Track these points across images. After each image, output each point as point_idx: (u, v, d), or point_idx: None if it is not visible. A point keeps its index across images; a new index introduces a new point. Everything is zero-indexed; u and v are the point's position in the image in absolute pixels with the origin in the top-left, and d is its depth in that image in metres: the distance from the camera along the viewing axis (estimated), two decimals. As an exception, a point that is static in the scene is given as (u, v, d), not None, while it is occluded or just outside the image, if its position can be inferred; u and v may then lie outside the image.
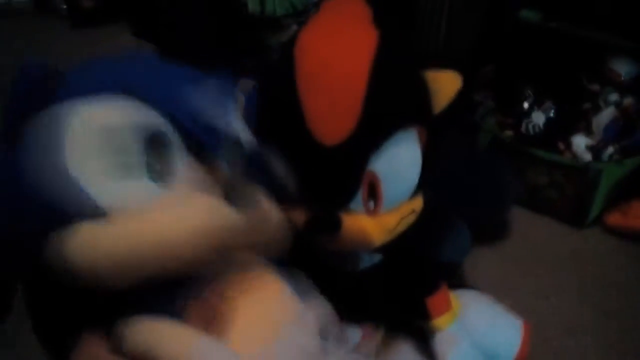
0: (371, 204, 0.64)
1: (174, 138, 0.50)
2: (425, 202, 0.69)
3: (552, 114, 1.27)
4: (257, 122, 0.65)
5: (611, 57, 1.31)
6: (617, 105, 1.27)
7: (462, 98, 0.69)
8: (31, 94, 0.48)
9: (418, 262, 0.78)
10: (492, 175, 1.14)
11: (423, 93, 0.66)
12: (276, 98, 0.64)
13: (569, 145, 1.25)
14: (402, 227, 0.67)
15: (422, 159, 0.67)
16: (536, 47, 1.35)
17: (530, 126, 1.27)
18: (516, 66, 1.37)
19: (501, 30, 1.40)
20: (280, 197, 0.65)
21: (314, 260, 0.73)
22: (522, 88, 1.32)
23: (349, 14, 0.67)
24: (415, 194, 0.68)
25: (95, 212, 0.46)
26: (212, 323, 0.49)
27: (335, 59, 0.62)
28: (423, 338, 0.81)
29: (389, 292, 0.76)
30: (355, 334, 0.77)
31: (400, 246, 0.72)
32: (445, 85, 0.67)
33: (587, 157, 1.23)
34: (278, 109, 0.63)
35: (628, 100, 1.26)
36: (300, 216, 0.64)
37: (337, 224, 0.60)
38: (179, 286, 0.50)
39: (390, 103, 0.63)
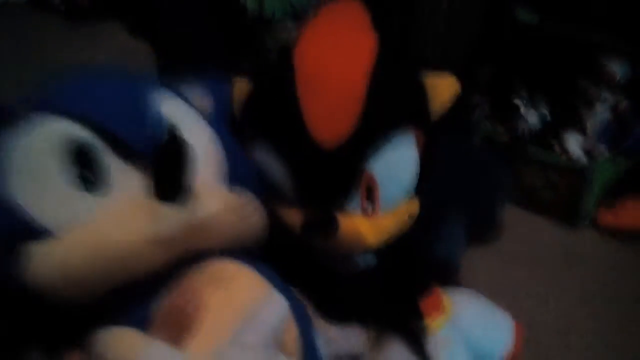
0: (368, 205, 0.64)
1: (100, 146, 0.50)
2: (422, 205, 0.69)
3: (546, 115, 1.28)
4: (255, 123, 0.66)
5: (606, 59, 1.32)
6: (612, 106, 1.28)
7: (458, 100, 0.70)
8: None
9: (412, 263, 0.79)
10: (487, 175, 1.15)
11: (421, 97, 0.66)
12: (275, 101, 0.64)
13: (563, 146, 1.26)
14: (398, 230, 0.67)
15: (419, 162, 0.67)
16: (532, 48, 1.36)
17: (524, 126, 1.28)
18: (512, 67, 1.38)
19: (498, 32, 1.40)
20: (275, 198, 0.66)
21: (308, 262, 0.74)
22: (517, 89, 1.33)
23: (347, 18, 0.67)
24: (411, 196, 0.68)
25: (38, 234, 0.47)
26: (179, 328, 0.49)
27: (334, 63, 0.62)
28: (415, 340, 0.81)
29: (382, 293, 0.76)
30: (348, 334, 0.78)
31: (395, 248, 0.72)
32: (442, 90, 0.68)
33: (581, 157, 1.24)
34: (277, 111, 0.63)
35: (622, 102, 1.27)
36: (296, 217, 0.64)
37: (334, 225, 0.60)
38: (144, 290, 0.50)
39: (389, 106, 0.63)
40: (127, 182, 0.50)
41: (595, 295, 1.12)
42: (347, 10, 0.68)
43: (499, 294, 0.97)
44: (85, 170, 0.49)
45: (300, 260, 0.72)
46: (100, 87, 0.54)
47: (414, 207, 0.69)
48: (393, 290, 0.77)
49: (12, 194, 0.47)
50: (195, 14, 1.12)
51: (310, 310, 0.69)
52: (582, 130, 1.26)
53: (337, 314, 0.72)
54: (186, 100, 0.60)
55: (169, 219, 0.48)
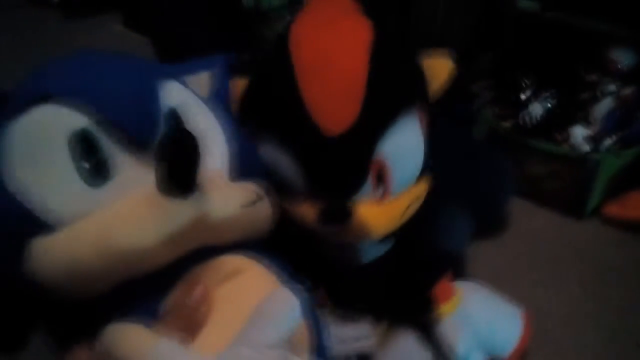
0: (379, 190, 0.63)
1: (103, 135, 0.47)
2: (428, 188, 0.69)
3: (550, 105, 1.26)
4: (256, 118, 0.64)
5: (610, 47, 1.30)
6: (616, 95, 1.26)
7: (458, 88, 0.69)
8: None
9: (423, 249, 0.78)
10: (490, 165, 1.14)
11: (421, 78, 0.65)
12: (274, 92, 0.62)
13: (567, 136, 1.24)
14: (409, 213, 0.66)
15: (424, 142, 0.67)
16: (534, 37, 1.35)
17: (528, 117, 1.27)
18: (514, 56, 1.37)
19: (499, 20, 1.39)
20: (284, 193, 0.64)
21: (316, 255, 0.73)
22: (520, 78, 1.32)
23: (338, 7, 0.66)
24: (419, 179, 0.67)
25: (39, 227, 0.45)
26: (189, 323, 0.48)
27: (333, 48, 0.61)
28: (425, 330, 0.81)
29: (394, 282, 0.76)
30: (358, 334, 0.77)
31: (404, 235, 0.71)
32: (439, 71, 0.66)
33: (586, 147, 1.22)
34: (277, 102, 0.61)
35: (626, 90, 1.26)
36: (307, 211, 0.63)
37: (348, 213, 0.59)
38: (152, 285, 0.48)
39: (392, 88, 0.62)
40: (133, 175, 0.48)
41: (600, 286, 1.12)
42: (337, 1, 0.67)
43: (503, 284, 0.96)
44: (90, 161, 0.47)
45: (308, 255, 0.70)
46: (105, 74, 0.51)
47: (422, 188, 0.68)
48: (404, 278, 0.76)
49: (16, 186, 0.45)
50: (191, 7, 1.11)
51: (320, 308, 0.68)
52: (587, 120, 1.25)
53: (348, 307, 0.70)
54: (189, 86, 0.58)
55: (178, 214, 0.45)
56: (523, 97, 1.29)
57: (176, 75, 0.57)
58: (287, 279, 0.55)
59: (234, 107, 0.65)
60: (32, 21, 2.34)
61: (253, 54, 1.14)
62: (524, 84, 1.30)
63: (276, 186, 0.63)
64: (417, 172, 0.66)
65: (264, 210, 0.54)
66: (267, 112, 0.63)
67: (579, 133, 1.23)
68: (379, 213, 0.63)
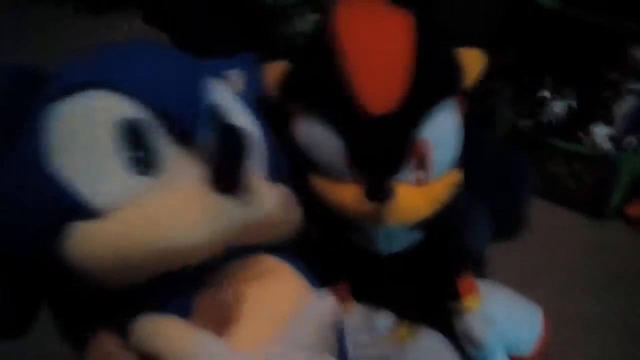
0: (420, 173, 0.64)
1: (153, 125, 0.47)
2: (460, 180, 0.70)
3: (572, 103, 1.25)
4: (300, 98, 0.66)
5: (632, 45, 1.29)
6: (638, 94, 1.25)
7: (479, 85, 0.70)
8: (6, 98, 0.47)
9: (449, 243, 0.79)
10: (510, 164, 1.13)
11: (458, 68, 0.67)
12: (320, 72, 0.64)
13: (588, 135, 1.23)
14: (444, 201, 0.67)
15: (460, 132, 0.68)
16: (555, 34, 1.34)
17: (549, 115, 1.26)
18: (535, 54, 1.36)
19: (520, 18, 1.38)
20: (322, 175, 0.65)
21: (344, 247, 0.74)
22: (541, 76, 1.31)
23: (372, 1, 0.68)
24: (455, 164, 0.68)
25: (86, 211, 0.44)
26: (220, 319, 0.48)
27: (379, 33, 0.63)
28: (449, 327, 0.81)
29: (419, 275, 0.76)
30: (385, 320, 0.77)
31: (433, 227, 0.72)
32: (473, 63, 0.68)
33: (607, 146, 1.22)
34: (323, 82, 0.63)
35: (650, 89, 1.25)
36: (346, 192, 0.64)
37: (391, 191, 0.60)
38: (187, 279, 0.49)
39: (435, 73, 0.64)
40: (178, 169, 0.48)
41: (622, 286, 1.11)
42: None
43: (523, 285, 0.96)
44: (139, 151, 0.47)
45: (335, 247, 0.73)
46: (156, 65, 0.51)
47: (456, 176, 0.69)
48: (428, 272, 0.77)
49: (60, 170, 0.45)
50: (209, 2, 1.11)
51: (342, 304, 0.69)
52: (608, 119, 1.24)
53: (371, 302, 0.71)
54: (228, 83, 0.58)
55: (227, 212, 0.45)
56: (544, 95, 1.28)
57: (215, 72, 0.57)
58: (313, 282, 0.56)
59: (270, 90, 0.67)
60: (51, 17, 2.35)
61: (271, 50, 1.15)
62: (545, 82, 1.29)
63: (315, 168, 0.66)
64: (454, 159, 0.68)
65: (294, 213, 0.54)
66: (313, 93, 0.64)
67: (601, 132, 1.22)
68: (417, 196, 0.64)
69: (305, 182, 0.66)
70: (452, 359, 0.80)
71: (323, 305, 0.51)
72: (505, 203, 1.11)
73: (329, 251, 0.71)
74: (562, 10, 1.34)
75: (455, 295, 0.78)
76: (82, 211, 0.44)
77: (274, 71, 0.68)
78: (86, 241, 0.44)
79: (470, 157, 0.71)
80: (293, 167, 0.65)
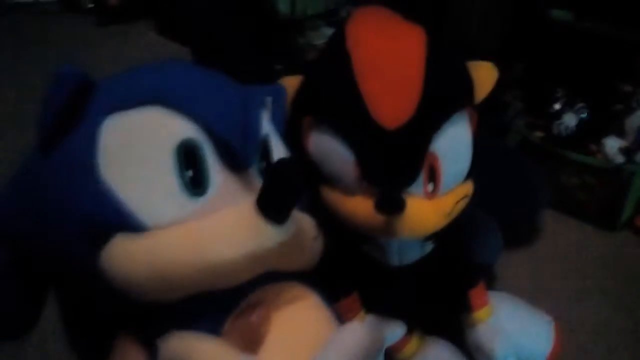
0: (430, 186, 0.65)
1: (208, 148, 0.49)
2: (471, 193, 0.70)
3: (584, 116, 1.25)
4: (314, 110, 0.66)
5: (644, 58, 1.29)
6: (651, 107, 1.25)
7: (491, 97, 0.71)
8: (67, 104, 0.46)
9: (460, 256, 0.79)
10: (522, 176, 1.13)
11: (470, 81, 0.68)
12: (333, 85, 0.65)
13: (600, 147, 1.23)
14: (455, 213, 0.68)
15: (472, 144, 0.69)
16: (568, 46, 1.34)
17: (561, 127, 1.26)
18: (547, 66, 1.36)
19: (532, 30, 1.38)
20: (334, 188, 0.66)
21: (355, 259, 0.74)
22: (553, 88, 1.31)
23: (386, 14, 0.69)
24: (466, 178, 0.69)
25: (131, 225, 0.45)
26: (249, 341, 0.49)
27: (391, 48, 0.64)
28: (458, 337, 0.81)
29: (429, 287, 0.77)
30: (396, 332, 0.78)
31: (443, 240, 0.73)
32: (484, 76, 0.69)
33: (619, 159, 1.21)
34: (338, 97, 0.64)
35: (662, 102, 1.24)
36: (358, 205, 0.64)
37: (403, 203, 0.60)
38: (219, 301, 0.49)
39: (447, 86, 0.65)
40: (228, 192, 0.49)
41: (632, 296, 1.10)
42: (382, 12, 0.70)
43: (534, 295, 0.96)
44: (192, 171, 0.47)
45: (346, 259, 0.73)
46: (213, 88, 0.52)
47: (469, 188, 0.70)
48: (444, 281, 0.78)
49: (112, 182, 0.45)
50: (228, 14, 1.12)
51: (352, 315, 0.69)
52: (621, 132, 1.24)
53: (381, 312, 0.72)
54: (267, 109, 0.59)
55: (271, 238, 0.46)
56: (556, 107, 1.28)
57: (261, 100, 0.57)
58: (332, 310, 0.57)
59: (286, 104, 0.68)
60: (66, 28, 2.37)
61: (288, 61, 1.17)
62: (557, 94, 1.29)
63: (327, 180, 0.66)
64: (465, 172, 0.68)
65: (320, 244, 0.55)
66: (326, 106, 0.65)
67: (613, 144, 1.22)
68: (428, 208, 0.65)
69: (318, 194, 0.67)
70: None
71: (354, 334, 0.52)
72: (518, 215, 1.12)
73: (341, 262, 0.71)
74: (574, 23, 1.34)
75: (467, 308, 0.79)
76: (129, 225, 0.45)
77: (288, 85, 0.68)
78: (128, 256, 0.45)
79: (483, 169, 0.71)
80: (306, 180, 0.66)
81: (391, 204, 0.60)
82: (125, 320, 0.50)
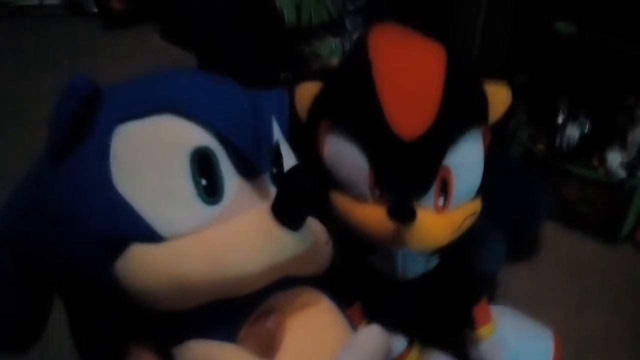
0: (441, 199, 0.66)
1: (222, 155, 0.48)
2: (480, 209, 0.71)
3: (586, 129, 1.26)
4: (330, 116, 0.67)
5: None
6: (654, 121, 1.25)
7: (503, 119, 0.72)
8: (78, 113, 0.45)
9: (465, 271, 0.80)
10: (525, 188, 1.14)
11: (486, 100, 0.69)
12: (352, 93, 0.66)
13: (603, 161, 1.24)
14: (463, 229, 0.69)
15: (484, 162, 0.70)
16: (571, 59, 1.34)
17: (564, 140, 1.26)
18: (551, 78, 1.36)
19: (536, 42, 1.39)
20: (346, 195, 0.67)
21: (360, 269, 0.75)
22: (556, 101, 1.31)
23: (406, 30, 0.70)
24: (475, 195, 0.70)
25: (147, 235, 0.45)
26: (265, 347, 0.49)
27: (412, 61, 0.65)
28: (460, 352, 0.81)
29: (434, 301, 0.77)
30: (396, 343, 0.78)
31: (449, 254, 0.73)
32: (499, 99, 0.70)
33: (622, 173, 1.22)
34: (356, 106, 0.65)
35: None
36: (370, 211, 0.65)
37: (414, 212, 0.61)
38: (234, 308, 0.49)
39: (464, 102, 0.66)
40: (242, 200, 0.49)
41: (633, 311, 1.11)
42: (399, 27, 0.70)
43: (535, 308, 0.96)
44: (206, 178, 0.47)
45: (352, 268, 0.73)
46: (226, 95, 0.51)
47: (478, 205, 0.70)
48: (444, 299, 0.78)
49: (127, 191, 0.45)
50: (234, 22, 1.13)
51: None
52: (623, 145, 1.24)
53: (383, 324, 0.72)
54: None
55: (287, 245, 0.46)
56: (559, 120, 1.29)
57: (271, 105, 0.57)
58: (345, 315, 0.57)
59: (300, 109, 0.69)
60: (70, 31, 2.38)
61: (293, 70, 1.17)
62: (560, 107, 1.30)
63: (339, 187, 0.67)
64: (475, 189, 0.69)
65: (331, 248, 0.56)
66: (344, 111, 0.66)
67: (615, 158, 1.22)
68: (438, 221, 0.65)
69: (328, 201, 0.68)
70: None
71: (368, 338, 0.52)
72: (520, 226, 1.12)
73: (345, 272, 0.71)
74: (578, 36, 1.35)
75: (470, 324, 0.79)
76: (145, 235, 0.44)
77: (307, 90, 0.69)
78: (144, 266, 0.44)
79: (489, 181, 0.72)
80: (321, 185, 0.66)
81: (403, 211, 0.61)
82: (139, 329, 0.50)
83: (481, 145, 0.69)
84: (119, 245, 0.44)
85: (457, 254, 0.74)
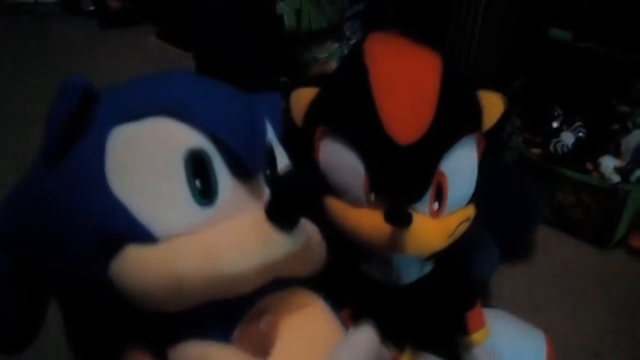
0: (435, 205, 0.66)
1: (216, 157, 0.48)
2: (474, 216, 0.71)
3: (581, 135, 1.27)
4: (327, 121, 0.68)
5: (640, 79, 1.31)
6: (647, 127, 1.26)
7: (497, 127, 0.72)
8: (74, 115, 0.46)
9: (460, 277, 0.80)
10: (519, 192, 1.14)
11: (480, 108, 0.69)
12: (349, 98, 0.66)
13: (597, 166, 1.25)
14: (457, 235, 0.69)
15: (478, 169, 0.70)
16: (566, 66, 1.35)
17: (558, 146, 1.27)
18: (546, 84, 1.37)
19: (531, 48, 1.40)
20: (340, 200, 0.67)
21: (353, 274, 0.75)
22: (551, 107, 1.32)
23: (402, 38, 0.70)
24: (469, 201, 0.70)
25: (142, 236, 0.45)
26: (259, 348, 0.49)
27: (409, 67, 0.66)
28: (451, 356, 0.82)
29: (427, 308, 0.77)
30: (387, 348, 0.78)
31: (443, 261, 0.74)
32: (493, 106, 0.71)
33: (615, 178, 1.22)
34: (353, 110, 0.65)
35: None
36: (363, 218, 0.66)
37: (410, 217, 0.61)
38: (228, 309, 0.49)
39: (459, 109, 0.66)
40: (236, 201, 0.49)
41: (625, 316, 1.11)
42: (396, 35, 0.71)
43: (528, 312, 0.97)
44: (201, 180, 0.47)
45: (344, 273, 0.73)
46: (220, 98, 0.52)
47: (472, 211, 0.71)
48: (443, 303, 0.78)
49: (122, 192, 0.45)
50: (234, 26, 1.13)
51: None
52: (617, 152, 1.25)
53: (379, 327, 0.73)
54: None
55: (281, 246, 0.46)
56: (554, 125, 1.29)
57: (265, 109, 0.58)
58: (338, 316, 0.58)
59: (296, 114, 0.70)
60: (66, 30, 2.37)
61: (293, 75, 1.17)
62: (555, 112, 1.31)
63: (333, 192, 0.68)
64: (469, 195, 0.70)
65: (324, 249, 0.56)
66: (341, 116, 0.66)
67: (609, 164, 1.23)
68: (433, 227, 0.66)
69: (321, 203, 0.68)
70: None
71: (362, 337, 0.52)
72: (514, 230, 1.13)
73: (337, 278, 0.71)
74: (573, 43, 1.36)
75: (464, 330, 0.79)
76: (140, 236, 0.45)
77: (303, 95, 0.70)
78: (139, 266, 0.44)
79: (483, 185, 0.72)
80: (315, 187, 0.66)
81: (400, 216, 0.61)
82: (134, 330, 0.50)
83: (476, 151, 0.69)
84: (114, 245, 0.45)
85: (451, 259, 0.74)
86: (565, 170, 1.25)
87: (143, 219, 0.45)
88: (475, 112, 0.69)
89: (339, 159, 0.66)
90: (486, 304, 0.93)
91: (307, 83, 0.71)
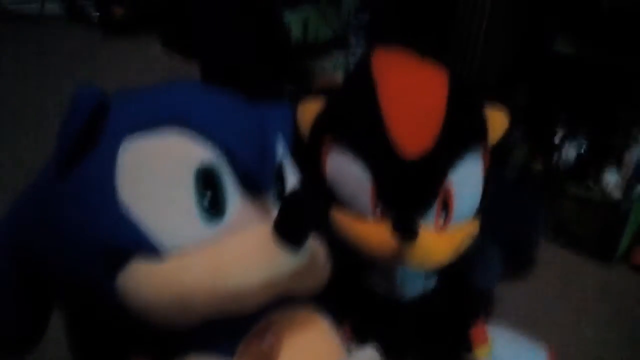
0: (441, 218, 0.66)
1: (226, 172, 0.48)
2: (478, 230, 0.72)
3: (583, 149, 1.27)
4: (334, 132, 0.68)
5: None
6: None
7: (501, 143, 0.73)
8: (86, 125, 0.46)
9: (463, 292, 0.80)
10: (520, 207, 1.14)
11: (485, 123, 0.70)
12: (357, 111, 0.67)
13: (599, 181, 1.25)
14: (462, 249, 0.70)
15: (483, 183, 0.70)
16: (569, 79, 1.35)
17: (561, 160, 1.27)
18: (548, 98, 1.37)
19: (534, 62, 1.40)
20: (346, 212, 0.67)
21: (355, 288, 0.75)
22: (554, 121, 1.32)
23: (409, 52, 0.71)
24: (474, 216, 0.70)
25: (150, 249, 0.45)
26: None
27: (417, 81, 0.67)
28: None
29: (430, 323, 0.77)
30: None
31: (447, 275, 0.74)
32: (498, 122, 0.72)
33: (617, 193, 1.22)
34: (361, 123, 0.66)
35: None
36: (372, 229, 0.66)
37: (417, 229, 0.61)
38: (232, 325, 0.49)
39: (466, 123, 0.67)
40: (245, 217, 0.49)
41: (628, 332, 1.11)
42: (402, 49, 0.72)
43: (530, 327, 0.96)
44: (210, 194, 0.47)
45: (347, 287, 0.73)
46: (232, 111, 0.52)
47: (474, 227, 0.71)
48: (441, 321, 0.78)
49: (131, 204, 0.45)
50: (241, 37, 1.13)
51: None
52: (620, 166, 1.25)
53: (380, 342, 0.73)
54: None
55: (287, 263, 0.46)
56: (556, 140, 1.30)
57: (275, 123, 0.57)
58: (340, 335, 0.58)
59: (303, 126, 0.70)
60: (71, 38, 2.38)
61: (300, 85, 1.18)
62: (557, 127, 1.31)
63: (339, 203, 0.68)
64: (474, 209, 0.70)
65: (329, 268, 0.56)
66: (348, 127, 0.67)
67: (612, 179, 1.23)
68: (438, 240, 0.66)
69: (328, 220, 0.68)
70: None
71: (365, 356, 0.52)
72: (519, 245, 1.12)
73: (341, 291, 0.71)
74: (577, 55, 1.36)
75: (467, 346, 0.79)
76: (148, 249, 0.45)
77: (309, 107, 0.70)
78: (146, 280, 0.44)
79: (488, 199, 0.72)
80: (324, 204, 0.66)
81: (408, 227, 0.61)
82: (138, 342, 0.50)
83: (481, 165, 0.69)
84: (121, 258, 0.44)
85: (455, 272, 0.74)
86: (567, 185, 1.25)
87: (151, 233, 0.45)
88: (481, 126, 0.69)
89: (346, 171, 0.66)
90: (488, 319, 0.93)
91: (313, 95, 0.71)
